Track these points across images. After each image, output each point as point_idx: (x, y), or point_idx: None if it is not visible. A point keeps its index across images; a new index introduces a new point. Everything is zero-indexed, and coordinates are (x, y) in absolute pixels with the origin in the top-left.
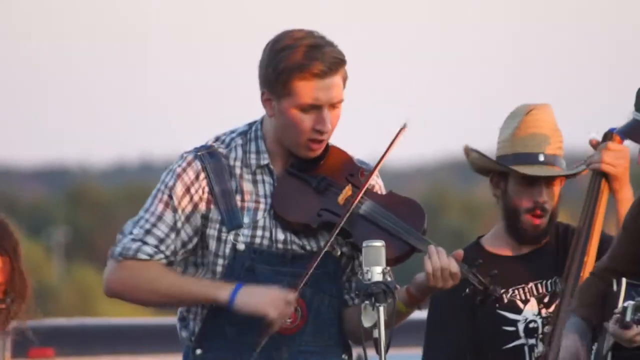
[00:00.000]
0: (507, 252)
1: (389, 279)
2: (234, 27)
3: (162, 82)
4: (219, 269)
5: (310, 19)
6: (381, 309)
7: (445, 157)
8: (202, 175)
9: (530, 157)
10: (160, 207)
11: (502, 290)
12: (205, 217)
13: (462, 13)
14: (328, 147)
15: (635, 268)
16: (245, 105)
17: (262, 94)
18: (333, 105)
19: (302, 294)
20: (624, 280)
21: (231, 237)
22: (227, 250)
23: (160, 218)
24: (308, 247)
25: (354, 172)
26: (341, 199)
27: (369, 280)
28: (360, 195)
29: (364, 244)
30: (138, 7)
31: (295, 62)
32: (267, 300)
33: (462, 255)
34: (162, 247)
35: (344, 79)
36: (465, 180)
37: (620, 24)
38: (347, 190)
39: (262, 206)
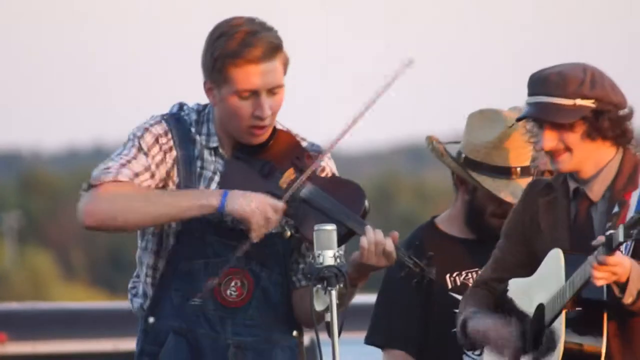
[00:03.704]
0: (462, 234)
1: (340, 262)
2: (189, 12)
3: (115, 67)
4: (171, 231)
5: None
6: (333, 292)
7: (397, 143)
8: (169, 135)
9: (507, 171)
10: (134, 151)
11: (456, 273)
12: (168, 175)
13: (415, 3)
14: (276, 131)
15: (522, 273)
16: (198, 93)
17: (205, 83)
18: (272, 91)
19: (250, 270)
20: (559, 252)
21: None
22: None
23: (135, 157)
24: None
25: (299, 155)
26: (282, 182)
27: (321, 264)
28: (303, 178)
29: (315, 228)
30: None
31: (230, 50)
32: (256, 205)
33: (397, 237)
34: (137, 181)
35: (284, 64)
36: (416, 165)
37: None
38: (289, 173)
39: (216, 178)
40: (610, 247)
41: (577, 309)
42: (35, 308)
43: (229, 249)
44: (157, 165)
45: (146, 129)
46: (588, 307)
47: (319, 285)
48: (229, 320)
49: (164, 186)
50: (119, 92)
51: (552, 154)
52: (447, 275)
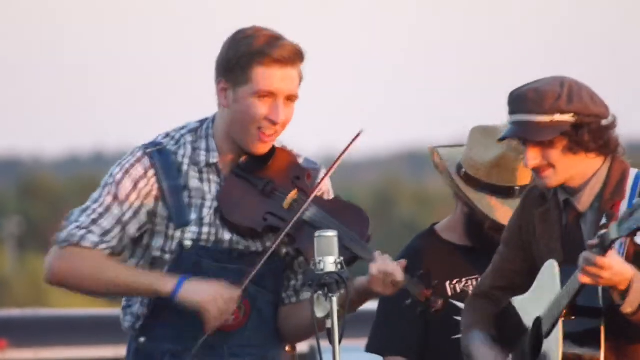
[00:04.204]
0: (462, 241)
1: (341, 269)
2: (190, 19)
3: (115, 73)
4: (165, 258)
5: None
6: (334, 299)
7: (398, 149)
8: (151, 172)
9: (507, 191)
10: (109, 199)
11: (456, 280)
12: (152, 214)
13: (415, 7)
14: (274, 149)
15: (522, 280)
16: (198, 98)
17: (219, 83)
18: (288, 99)
19: (247, 293)
20: (554, 263)
21: (178, 234)
22: (174, 247)
23: (108, 209)
24: (253, 248)
25: (300, 175)
26: (286, 203)
27: (322, 270)
28: (308, 202)
29: (316, 234)
30: None
31: (257, 48)
32: (210, 296)
33: (405, 264)
34: (107, 238)
35: (300, 78)
36: (417, 171)
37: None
38: (293, 194)
39: (207, 203)
40: (604, 246)
41: (573, 317)
42: (36, 314)
43: (226, 273)
44: (135, 213)
45: (126, 172)
46: (584, 315)
47: (320, 292)
48: (227, 344)
49: (148, 222)
50: (119, 98)
51: (537, 171)
52: (447, 283)
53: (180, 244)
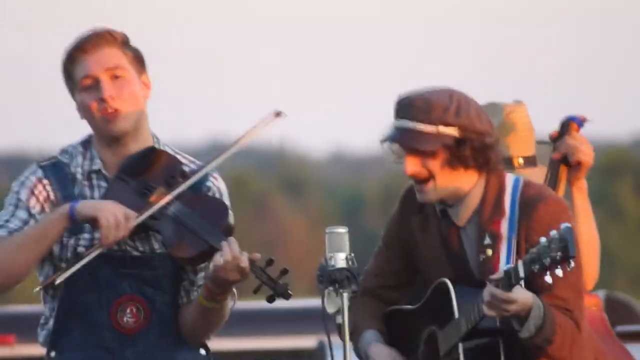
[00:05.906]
0: None
1: (352, 265)
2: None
3: None
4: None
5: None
6: (345, 294)
7: None
8: (45, 182)
9: (508, 162)
10: (11, 208)
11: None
12: None
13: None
14: (155, 152)
15: (406, 279)
16: (207, 100)
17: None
18: (112, 74)
19: (143, 295)
20: (448, 282)
21: (72, 241)
22: (69, 254)
23: (13, 215)
24: (141, 249)
25: (174, 174)
26: (153, 199)
27: (333, 266)
28: (169, 197)
29: (327, 230)
30: None
31: (67, 51)
32: (106, 206)
33: (258, 257)
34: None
35: (131, 57)
36: None
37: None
38: (160, 192)
39: None
40: (510, 283)
41: (473, 339)
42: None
43: (121, 279)
44: (38, 214)
45: (22, 183)
46: (483, 336)
47: (331, 288)
48: (130, 348)
49: None
50: None
51: (417, 183)
52: None
53: (75, 251)
